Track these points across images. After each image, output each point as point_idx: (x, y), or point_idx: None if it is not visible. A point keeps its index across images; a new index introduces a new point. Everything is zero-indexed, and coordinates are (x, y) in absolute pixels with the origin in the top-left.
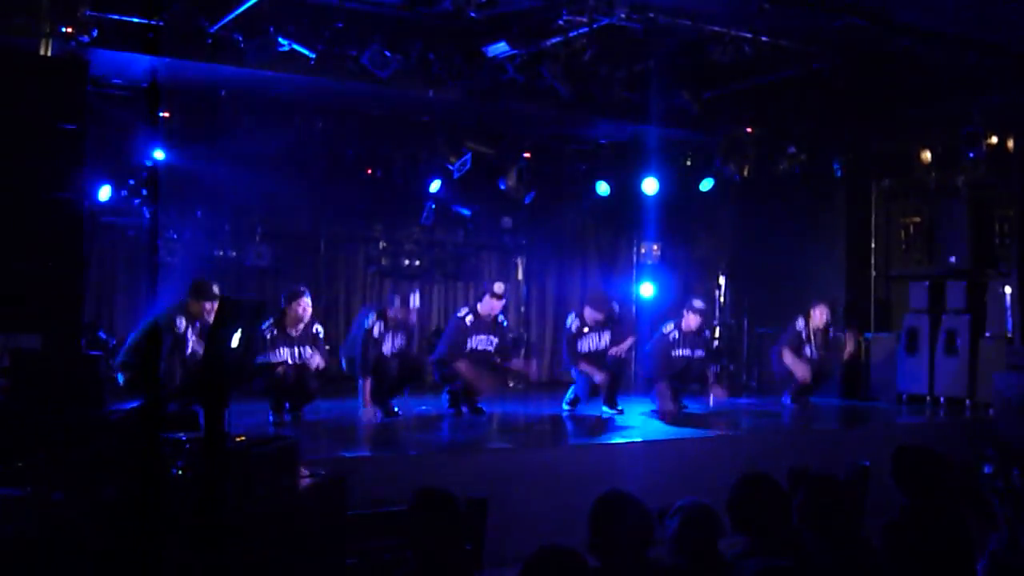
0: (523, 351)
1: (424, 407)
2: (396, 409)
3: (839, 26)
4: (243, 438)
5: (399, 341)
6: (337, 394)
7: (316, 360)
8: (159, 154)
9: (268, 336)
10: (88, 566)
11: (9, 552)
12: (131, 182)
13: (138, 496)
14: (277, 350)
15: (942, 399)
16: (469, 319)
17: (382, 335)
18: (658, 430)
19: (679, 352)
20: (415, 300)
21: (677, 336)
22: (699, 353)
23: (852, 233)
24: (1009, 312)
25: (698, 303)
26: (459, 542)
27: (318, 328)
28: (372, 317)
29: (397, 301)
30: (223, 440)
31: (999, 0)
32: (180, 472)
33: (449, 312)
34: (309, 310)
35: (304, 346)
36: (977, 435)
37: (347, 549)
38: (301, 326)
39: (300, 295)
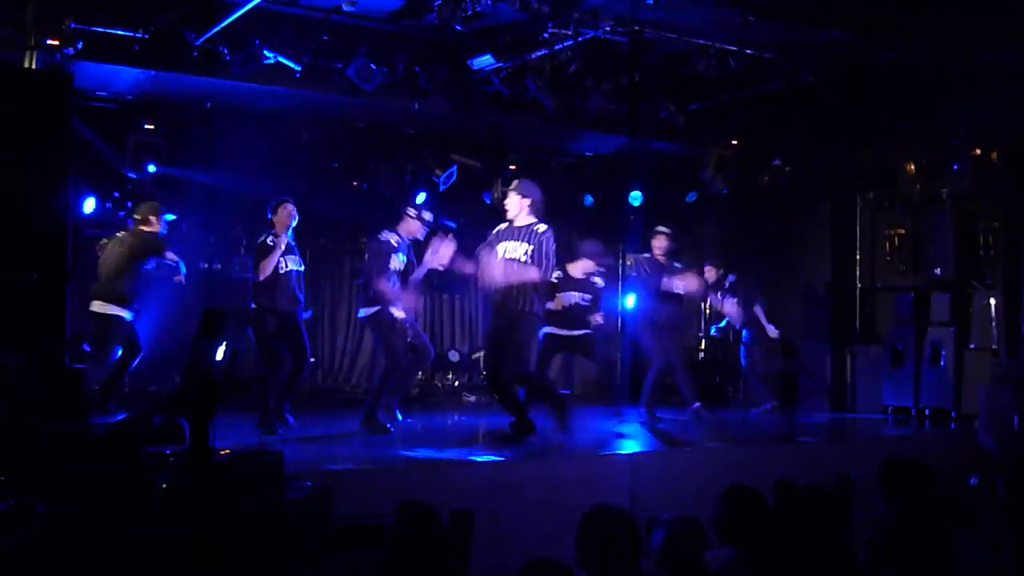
0: None
1: (411, 419)
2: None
3: (823, 39)
4: (228, 451)
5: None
6: (322, 407)
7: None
8: (150, 167)
9: (269, 243)
10: None
11: None
12: (116, 195)
13: (122, 510)
14: (284, 259)
15: (927, 411)
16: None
17: (398, 244)
18: (645, 442)
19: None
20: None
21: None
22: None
23: (837, 245)
24: (994, 324)
25: (662, 228)
26: (441, 557)
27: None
28: (385, 233)
29: (411, 210)
30: (208, 453)
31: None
32: (165, 486)
33: (436, 324)
34: (295, 215)
35: (298, 256)
36: (962, 447)
37: (332, 561)
38: (290, 232)
39: (285, 202)
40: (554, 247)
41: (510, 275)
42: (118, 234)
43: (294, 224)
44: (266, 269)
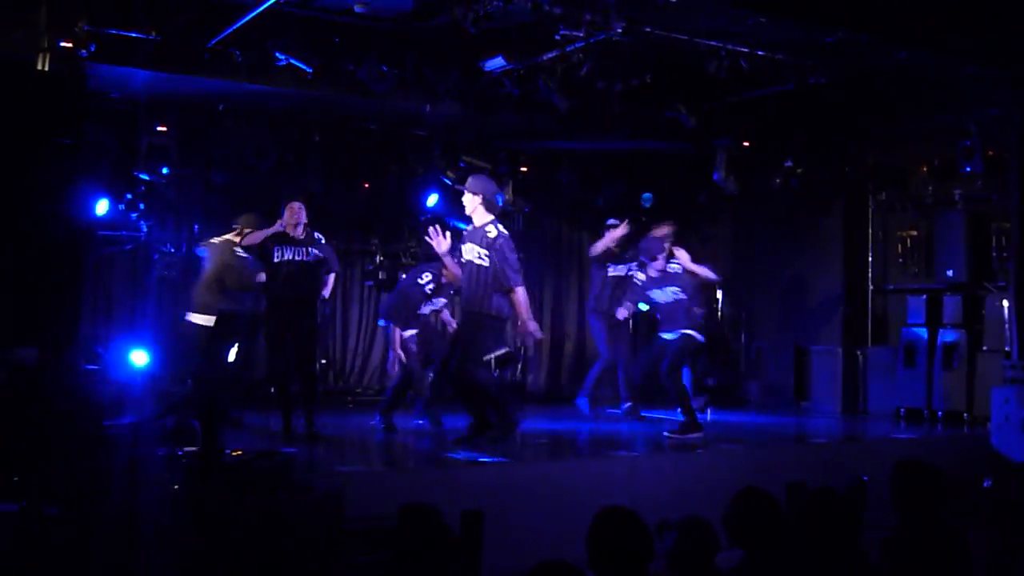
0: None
1: (420, 422)
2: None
3: (834, 40)
4: (240, 452)
5: (441, 302)
6: (334, 408)
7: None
8: (163, 170)
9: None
10: None
11: (3, 568)
12: (128, 196)
13: (134, 511)
14: (280, 250)
15: (940, 413)
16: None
17: (431, 292)
18: (655, 443)
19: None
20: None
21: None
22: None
23: (849, 246)
24: (1007, 326)
25: (612, 220)
26: (448, 557)
27: (319, 235)
28: (427, 276)
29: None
30: (220, 455)
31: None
32: (176, 487)
33: None
34: (303, 212)
35: (307, 247)
36: (975, 449)
37: (343, 563)
38: (300, 228)
39: (291, 199)
40: (508, 251)
41: (469, 277)
42: (213, 240)
43: (299, 221)
44: (250, 239)
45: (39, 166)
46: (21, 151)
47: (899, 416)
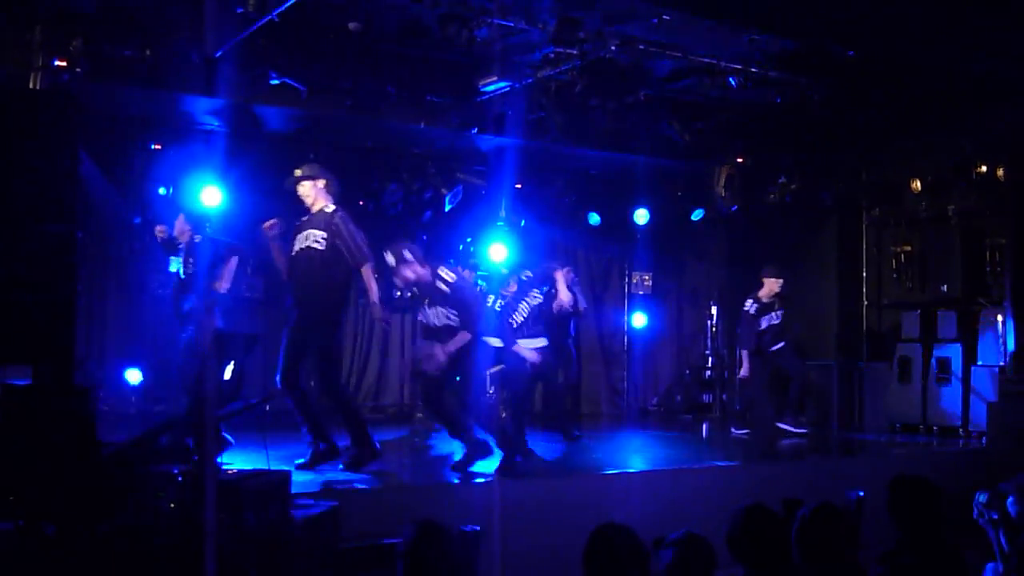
0: None
1: (416, 440)
2: None
3: (828, 56)
4: (234, 470)
5: None
6: (329, 426)
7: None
8: (161, 190)
9: None
10: None
11: None
12: (123, 215)
13: (130, 530)
14: None
15: (935, 428)
16: None
17: None
18: (652, 461)
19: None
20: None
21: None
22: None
23: (843, 262)
24: (1001, 340)
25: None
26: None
27: None
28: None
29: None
30: (214, 473)
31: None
32: (172, 505)
33: None
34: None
35: None
36: (971, 464)
37: None
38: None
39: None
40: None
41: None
42: None
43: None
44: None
45: (33, 184)
46: (14, 170)
47: (894, 431)
